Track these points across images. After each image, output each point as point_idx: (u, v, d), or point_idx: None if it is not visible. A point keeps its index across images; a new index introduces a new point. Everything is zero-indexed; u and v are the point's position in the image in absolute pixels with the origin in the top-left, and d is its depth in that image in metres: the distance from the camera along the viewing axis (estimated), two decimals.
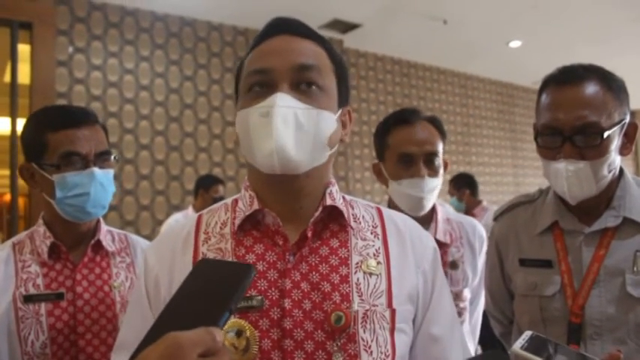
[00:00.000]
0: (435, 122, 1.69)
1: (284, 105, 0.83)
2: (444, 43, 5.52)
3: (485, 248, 1.76)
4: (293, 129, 0.83)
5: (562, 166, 1.18)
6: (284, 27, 0.91)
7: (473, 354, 1.87)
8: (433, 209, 1.73)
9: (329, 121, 0.88)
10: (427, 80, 6.36)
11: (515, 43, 5.60)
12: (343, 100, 0.93)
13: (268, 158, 0.83)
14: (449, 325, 0.95)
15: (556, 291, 1.23)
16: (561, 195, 1.25)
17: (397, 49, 5.78)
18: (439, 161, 1.64)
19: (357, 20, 4.80)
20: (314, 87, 0.87)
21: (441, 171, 1.67)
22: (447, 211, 1.85)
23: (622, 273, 1.17)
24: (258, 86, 0.86)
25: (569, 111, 1.16)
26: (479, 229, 1.78)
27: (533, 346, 0.87)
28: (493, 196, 6.64)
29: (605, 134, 1.14)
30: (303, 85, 0.86)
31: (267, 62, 0.86)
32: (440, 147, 1.66)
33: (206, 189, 3.91)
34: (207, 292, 0.63)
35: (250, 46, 0.92)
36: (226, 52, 4.71)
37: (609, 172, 1.19)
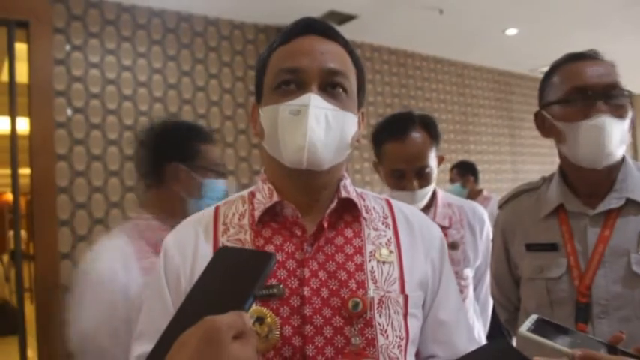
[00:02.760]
0: (428, 126, 1.73)
1: (317, 105, 0.86)
2: (441, 32, 5.52)
3: (486, 230, 1.83)
4: (323, 129, 0.87)
5: (601, 120, 1.19)
6: (313, 28, 0.93)
7: (482, 332, 1.93)
8: (434, 195, 1.78)
9: (352, 122, 0.93)
10: (424, 70, 6.36)
11: (511, 31, 5.60)
12: (361, 102, 0.97)
13: (298, 154, 0.86)
14: (455, 310, 1.00)
15: (562, 273, 1.27)
16: (589, 159, 1.23)
17: (394, 39, 5.78)
18: (430, 169, 1.71)
19: (353, 11, 4.80)
20: (340, 90, 0.91)
21: (434, 175, 1.74)
22: (448, 196, 1.91)
23: (627, 253, 1.20)
24: (287, 84, 0.89)
25: (598, 73, 1.23)
26: (479, 211, 1.87)
27: (539, 328, 0.89)
28: (492, 184, 6.66)
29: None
30: (330, 87, 0.90)
31: (298, 62, 0.89)
32: (432, 155, 1.72)
33: None
34: (231, 279, 0.65)
35: (275, 43, 0.95)
36: (223, 47, 4.71)
37: (629, 136, 1.24)
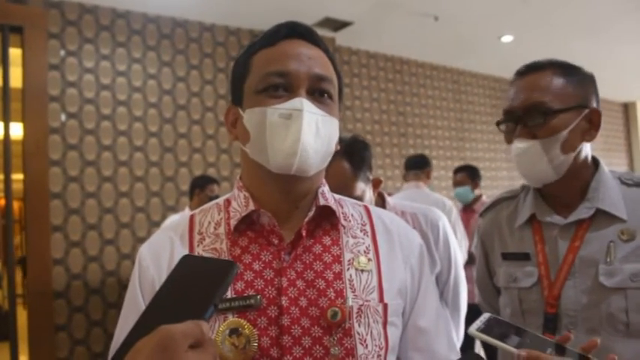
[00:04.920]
0: (352, 155, 1.67)
1: (309, 110, 0.85)
2: (436, 39, 5.54)
3: (442, 235, 1.89)
4: (314, 134, 0.86)
5: (514, 146, 1.24)
6: (297, 31, 0.92)
7: (457, 341, 1.94)
8: (384, 204, 1.85)
9: (336, 128, 0.92)
10: (420, 76, 6.37)
11: (507, 38, 5.62)
12: (340, 108, 0.96)
13: (288, 159, 0.84)
14: (434, 318, 0.99)
15: (533, 283, 1.27)
16: (523, 179, 1.30)
17: (389, 46, 5.79)
18: (357, 198, 1.63)
19: (348, 18, 4.81)
20: (326, 96, 0.90)
21: (366, 199, 1.71)
22: (401, 204, 1.95)
23: (596, 264, 1.19)
24: (275, 88, 0.87)
25: (521, 95, 1.24)
26: (431, 217, 1.89)
27: (489, 327, 0.90)
28: (488, 191, 6.66)
29: (553, 113, 1.20)
30: (317, 93, 0.89)
31: (286, 65, 0.87)
32: (357, 184, 1.66)
33: (201, 188, 3.93)
34: (193, 287, 0.65)
35: (257, 45, 0.93)
36: (219, 53, 4.71)
37: (565, 153, 1.21)
